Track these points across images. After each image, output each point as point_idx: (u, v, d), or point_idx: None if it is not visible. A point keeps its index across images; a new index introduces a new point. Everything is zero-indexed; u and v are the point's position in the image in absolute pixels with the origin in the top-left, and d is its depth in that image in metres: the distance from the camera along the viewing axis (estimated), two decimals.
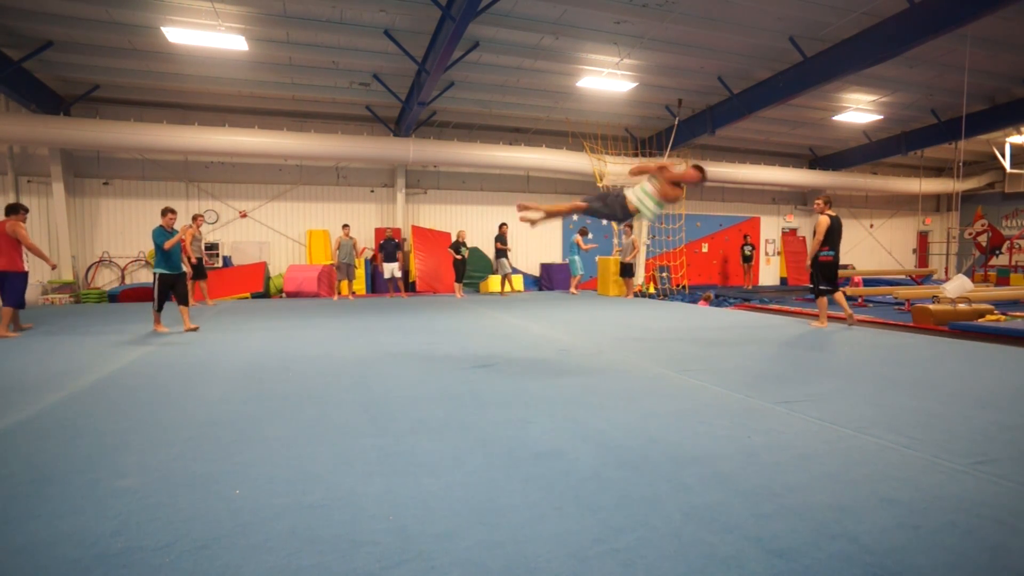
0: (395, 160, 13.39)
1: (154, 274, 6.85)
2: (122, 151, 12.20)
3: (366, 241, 14.28)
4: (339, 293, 12.30)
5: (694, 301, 12.51)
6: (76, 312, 9.45)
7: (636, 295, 13.04)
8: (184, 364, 4.87)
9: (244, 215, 13.47)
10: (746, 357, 5.12)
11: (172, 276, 6.90)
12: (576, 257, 13.08)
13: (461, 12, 7.45)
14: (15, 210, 6.95)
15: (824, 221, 7.09)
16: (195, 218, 10.42)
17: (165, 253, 6.79)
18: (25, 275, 6.97)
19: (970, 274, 15.56)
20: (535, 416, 3.26)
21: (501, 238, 12.62)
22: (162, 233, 6.82)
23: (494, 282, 12.97)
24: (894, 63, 9.69)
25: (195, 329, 6.86)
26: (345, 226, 12.10)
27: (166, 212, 7.01)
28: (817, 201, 7.26)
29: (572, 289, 13.23)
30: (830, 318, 7.58)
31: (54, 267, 7.25)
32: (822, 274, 7.19)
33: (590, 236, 13.37)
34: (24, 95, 10.36)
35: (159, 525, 1.95)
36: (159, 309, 6.89)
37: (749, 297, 12.22)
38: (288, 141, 12.32)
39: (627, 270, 12.17)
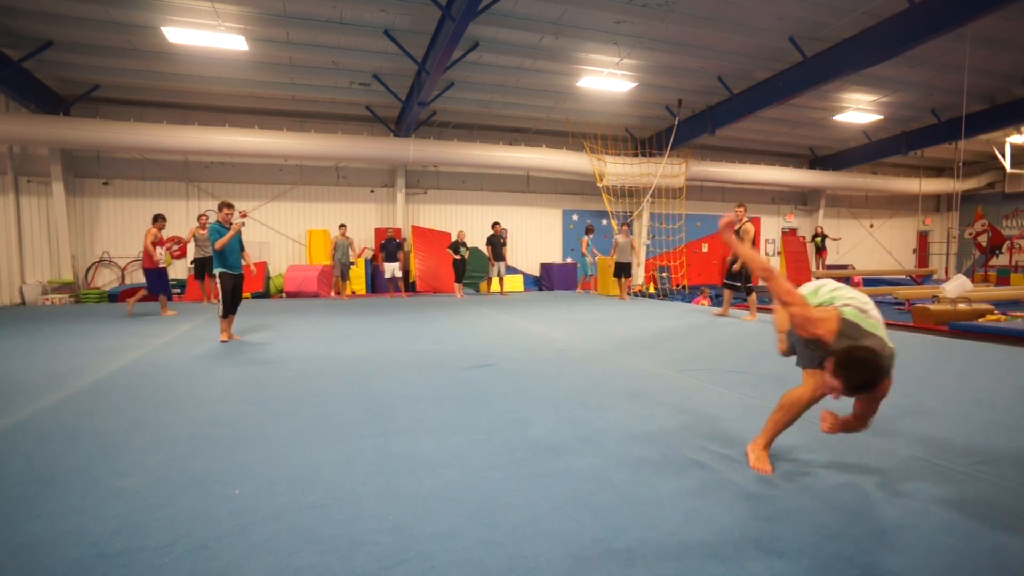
0: (395, 160, 13.38)
1: (214, 275, 6.16)
2: (122, 151, 12.20)
3: (366, 241, 14.28)
4: (339, 293, 12.30)
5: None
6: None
7: (636, 295, 13.02)
8: (184, 364, 4.87)
9: (244, 215, 13.46)
10: (745, 357, 5.12)
11: (233, 276, 6.14)
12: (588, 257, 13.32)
13: (461, 12, 7.44)
14: (154, 220, 8.57)
15: (751, 228, 7.68)
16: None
17: (220, 252, 6.04)
18: (156, 271, 8.49)
19: (970, 274, 15.56)
20: (535, 416, 3.26)
21: (495, 238, 12.44)
22: (218, 229, 6.05)
23: (494, 282, 13.00)
24: (894, 63, 9.68)
25: (232, 339, 6.16)
26: (342, 226, 12.09)
27: (223, 207, 6.14)
28: (739, 209, 7.76)
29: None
30: (736, 308, 9.07)
31: (157, 264, 8.41)
32: (745, 274, 8.00)
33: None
34: (24, 95, 10.35)
35: (159, 525, 1.95)
36: (224, 315, 6.06)
37: None
38: (288, 141, 12.32)
39: (622, 270, 11.96)
